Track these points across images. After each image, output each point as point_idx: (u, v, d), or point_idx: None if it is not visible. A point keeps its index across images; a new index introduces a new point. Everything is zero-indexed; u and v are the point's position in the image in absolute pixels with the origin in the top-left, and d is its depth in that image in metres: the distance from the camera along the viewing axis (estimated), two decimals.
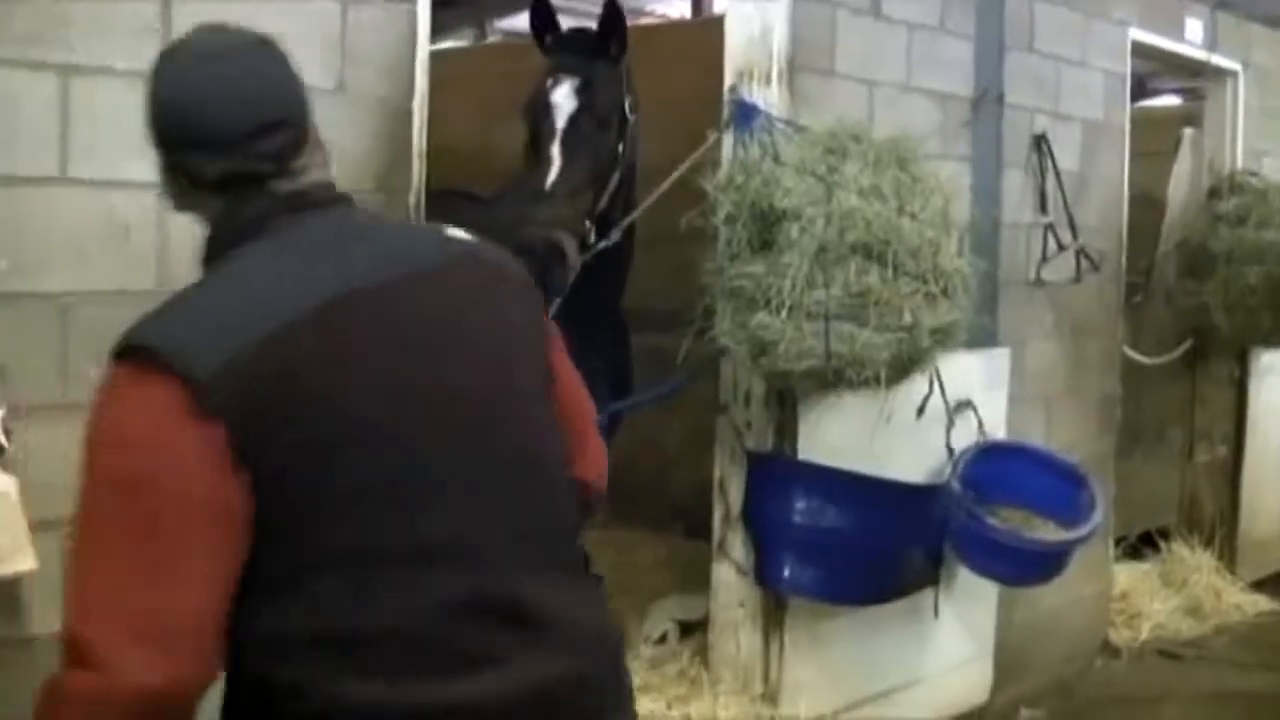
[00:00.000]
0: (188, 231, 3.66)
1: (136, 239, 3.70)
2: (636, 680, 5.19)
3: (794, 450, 5.58)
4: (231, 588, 2.06)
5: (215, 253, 2.36)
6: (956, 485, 5.75)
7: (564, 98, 5.09)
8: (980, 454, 6.00)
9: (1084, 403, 7.62)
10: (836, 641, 5.82)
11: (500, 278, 2.54)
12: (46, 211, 3.59)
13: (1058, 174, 7.05)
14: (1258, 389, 9.36)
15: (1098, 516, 5.94)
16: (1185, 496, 9.32)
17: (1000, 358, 6.61)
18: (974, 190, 6.48)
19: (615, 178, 5.17)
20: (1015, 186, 6.91)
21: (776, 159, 5.15)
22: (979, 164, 6.56)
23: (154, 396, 2.07)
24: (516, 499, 2.32)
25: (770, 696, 5.64)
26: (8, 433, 3.40)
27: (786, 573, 5.50)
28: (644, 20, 11.15)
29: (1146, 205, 8.69)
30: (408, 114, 4.28)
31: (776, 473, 5.54)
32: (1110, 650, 7.95)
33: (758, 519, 5.54)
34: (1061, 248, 7.09)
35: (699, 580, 5.96)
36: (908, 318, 4.92)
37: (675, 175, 5.30)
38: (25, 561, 3.24)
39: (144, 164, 3.59)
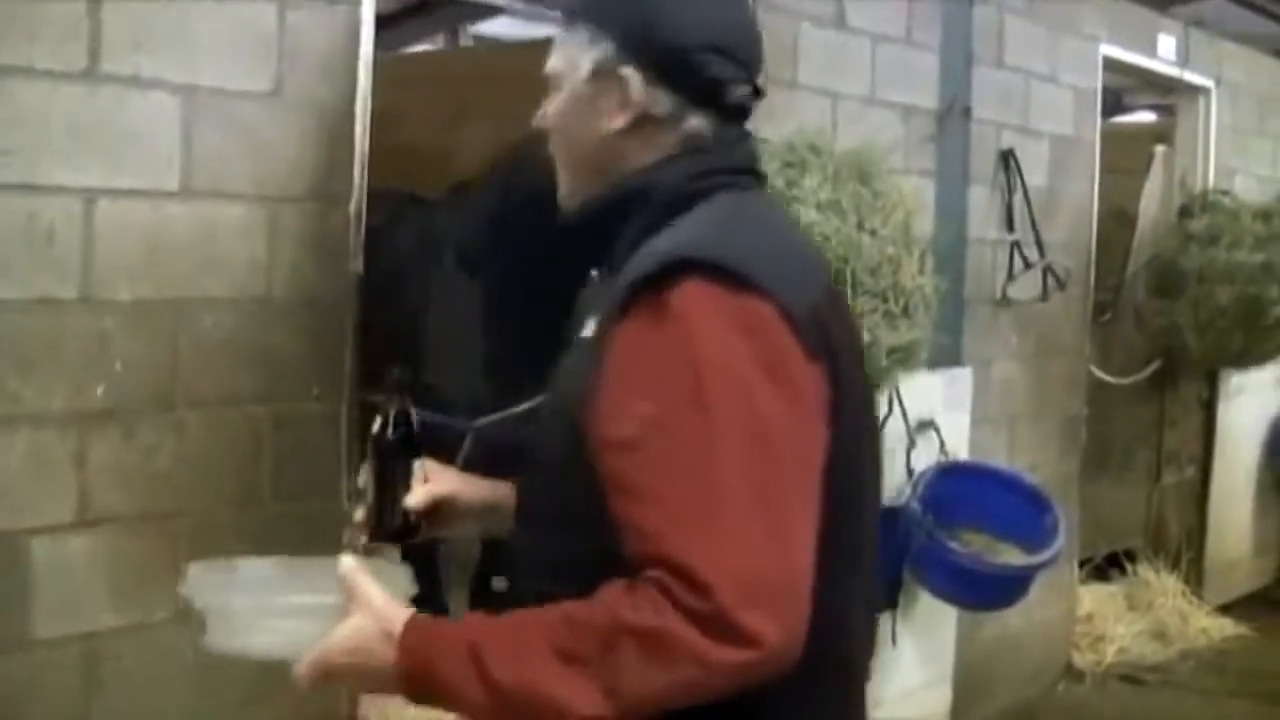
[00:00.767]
0: (115, 238, 3.64)
1: (61, 246, 3.58)
2: None
3: None
4: None
5: (701, 185, 2.14)
6: (917, 506, 5.66)
7: None
8: (941, 474, 5.91)
9: (1048, 423, 7.54)
10: None
11: None
12: None
13: (1025, 190, 6.95)
14: (1226, 410, 9.31)
15: (1060, 541, 5.86)
16: (1152, 518, 9.25)
17: (963, 378, 6.53)
18: (938, 206, 6.39)
19: None
20: (981, 202, 6.81)
21: None
22: (944, 179, 6.46)
23: (768, 323, 1.89)
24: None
25: None
26: None
27: None
28: None
29: (1117, 222, 8.63)
30: (350, 117, 4.16)
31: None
32: (1073, 674, 7.87)
33: None
34: (1028, 265, 7.00)
35: None
36: (866, 337, 4.81)
37: None
38: None
39: (68, 168, 3.56)
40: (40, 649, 3.63)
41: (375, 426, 2.38)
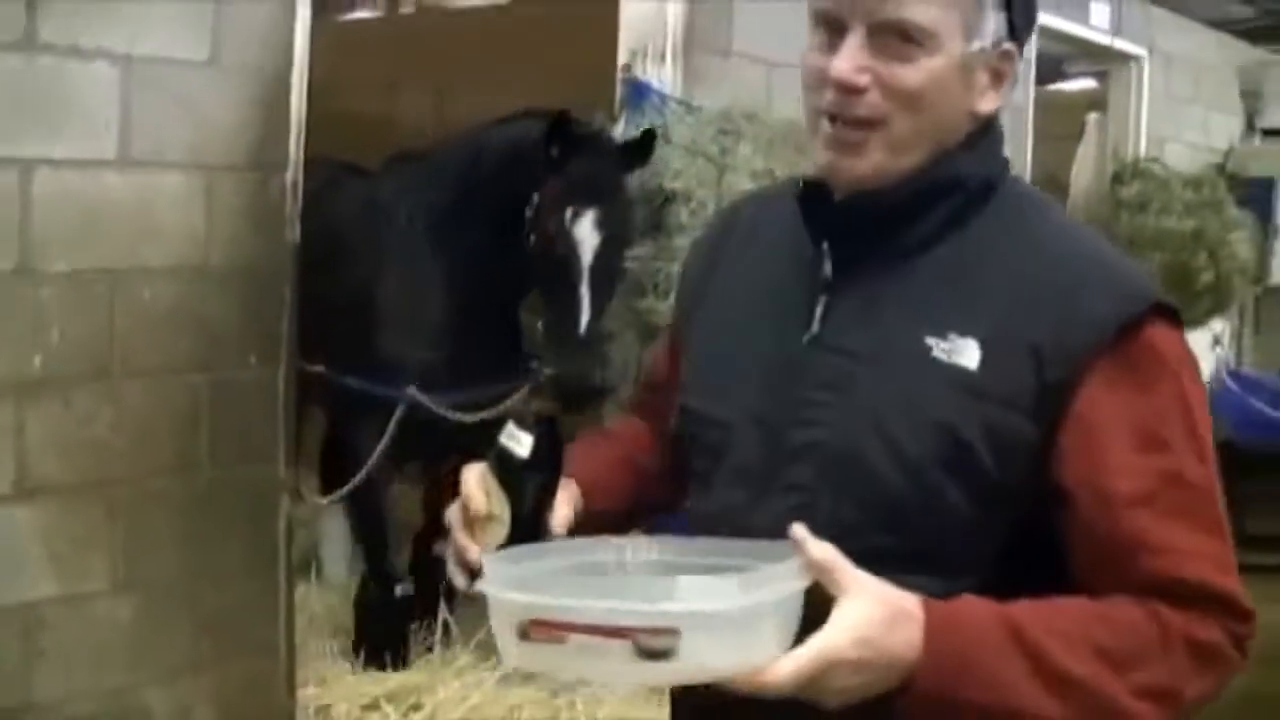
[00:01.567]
0: (53, 208, 3.64)
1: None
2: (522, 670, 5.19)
3: None
4: None
5: (1006, 171, 2.00)
6: None
7: (588, 232, 4.55)
8: None
9: None
10: None
11: None
12: None
13: None
14: None
15: None
16: None
17: None
18: None
19: None
20: None
21: (668, 140, 5.07)
22: None
23: (1197, 361, 1.92)
24: None
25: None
26: None
27: None
28: None
29: (1050, 189, 8.66)
30: (286, 86, 4.17)
31: None
32: None
33: None
34: None
35: None
36: None
37: None
38: None
39: (5, 139, 3.57)
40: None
41: (505, 436, 1.96)
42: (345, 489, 4.97)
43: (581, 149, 4.62)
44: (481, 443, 2.07)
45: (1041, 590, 1.77)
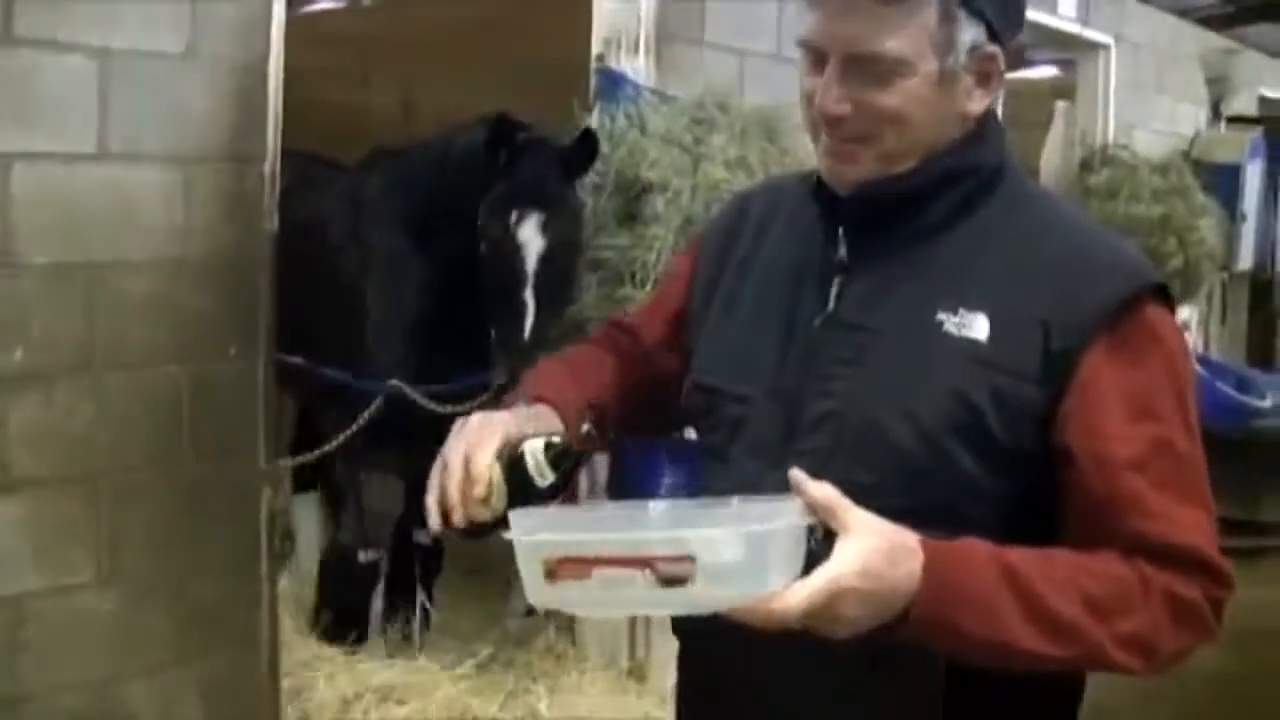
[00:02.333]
0: (33, 201, 3.65)
1: None
2: (502, 655, 5.21)
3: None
4: None
5: (1008, 162, 2.10)
6: None
7: (532, 235, 4.56)
8: None
9: None
10: None
11: None
12: None
13: None
14: None
15: None
16: None
17: None
18: None
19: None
20: None
21: (643, 130, 5.09)
22: None
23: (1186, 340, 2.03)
24: None
25: (636, 672, 5.62)
26: None
27: None
28: None
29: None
30: (263, 78, 4.18)
31: (641, 448, 5.50)
32: None
33: (623, 495, 5.49)
34: None
35: None
36: None
37: None
38: None
39: None
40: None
41: (532, 462, 2.00)
42: (315, 453, 5.00)
43: (524, 153, 4.64)
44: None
45: None
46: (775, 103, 5.45)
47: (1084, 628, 1.81)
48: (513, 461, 1.97)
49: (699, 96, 5.29)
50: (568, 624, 5.83)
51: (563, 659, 5.69)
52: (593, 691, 5.50)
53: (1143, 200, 8.47)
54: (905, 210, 2.03)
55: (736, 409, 2.12)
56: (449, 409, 4.66)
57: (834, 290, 2.06)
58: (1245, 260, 10.31)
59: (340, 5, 10.00)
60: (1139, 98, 9.52)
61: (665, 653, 5.52)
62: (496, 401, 2.24)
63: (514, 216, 4.53)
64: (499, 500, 1.96)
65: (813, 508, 1.74)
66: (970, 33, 1.96)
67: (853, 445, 1.97)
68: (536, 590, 1.74)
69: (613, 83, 5.34)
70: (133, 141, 3.87)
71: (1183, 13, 10.08)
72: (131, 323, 3.91)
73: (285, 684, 4.61)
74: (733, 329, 2.17)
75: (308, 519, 6.20)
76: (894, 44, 1.93)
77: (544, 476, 1.97)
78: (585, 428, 2.02)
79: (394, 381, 4.73)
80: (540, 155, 4.69)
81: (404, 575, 5.43)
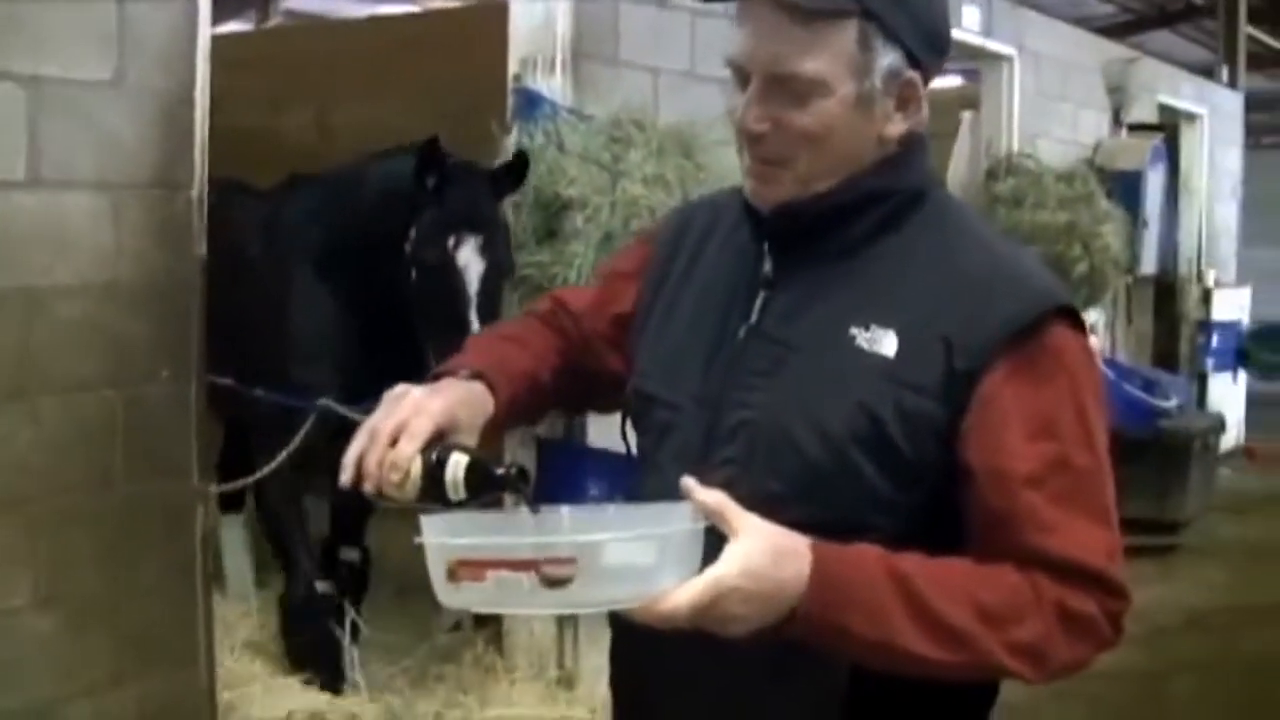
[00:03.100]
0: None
1: None
2: (432, 670, 5.26)
3: (583, 436, 5.60)
4: None
5: (929, 183, 2.17)
6: None
7: (471, 257, 4.63)
8: None
9: None
10: None
11: None
12: None
13: None
14: None
15: None
16: None
17: None
18: None
19: None
20: None
21: (561, 148, 5.18)
22: None
23: (1095, 359, 2.10)
24: None
25: (565, 681, 5.67)
26: None
27: None
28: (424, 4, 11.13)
29: None
30: (189, 104, 4.24)
31: (567, 459, 5.57)
32: None
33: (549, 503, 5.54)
34: None
35: None
36: None
37: None
38: None
39: None
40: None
41: (450, 477, 2.02)
42: (250, 478, 5.08)
43: (455, 177, 4.70)
44: None
45: None
46: (690, 119, 5.55)
47: (973, 634, 1.88)
48: (434, 465, 2.02)
49: (615, 114, 5.39)
50: (495, 637, 5.90)
51: (492, 670, 5.74)
52: (523, 702, 5.55)
53: (1048, 207, 8.65)
54: (826, 228, 2.09)
55: (666, 415, 2.18)
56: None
57: (758, 304, 2.12)
58: (1149, 265, 10.49)
59: (251, 29, 10.02)
60: (1042, 107, 9.67)
61: (592, 662, 5.60)
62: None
63: (452, 240, 4.59)
64: (410, 491, 2.04)
65: (704, 512, 1.81)
66: (889, 58, 2.01)
67: (766, 454, 2.04)
68: (441, 590, 1.83)
69: (530, 102, 5.41)
70: (63, 168, 3.91)
71: (1081, 22, 10.29)
72: (66, 347, 3.95)
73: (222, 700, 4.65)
74: (670, 338, 2.24)
75: (234, 540, 6.22)
76: (812, 65, 1.98)
77: (457, 492, 2.00)
78: (513, 469, 2.07)
79: (324, 401, 4.77)
80: (471, 179, 4.75)
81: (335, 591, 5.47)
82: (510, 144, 5.31)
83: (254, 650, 5.47)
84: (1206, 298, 12.76)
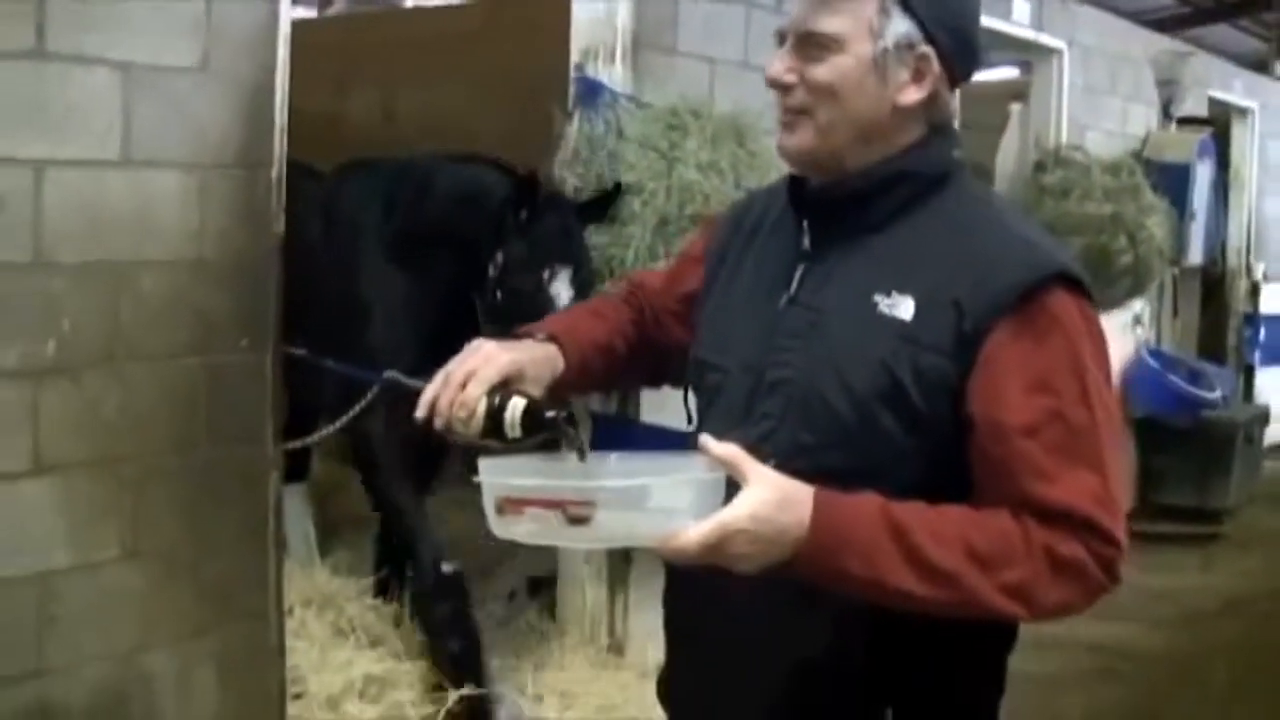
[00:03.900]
0: (62, 205, 3.89)
1: (13, 214, 3.85)
2: (486, 637, 5.41)
3: (637, 412, 5.76)
4: None
5: (954, 166, 2.39)
6: None
7: (562, 288, 4.82)
8: None
9: None
10: None
11: None
12: None
13: None
14: None
15: None
16: None
17: None
18: None
19: None
20: None
21: (620, 135, 5.36)
22: None
23: (1100, 327, 2.27)
24: None
25: (616, 648, 5.87)
26: None
27: None
28: None
29: (975, 177, 8.89)
30: (270, 90, 4.41)
31: (620, 433, 5.69)
32: None
33: None
34: None
35: None
36: None
37: None
38: None
39: (18, 141, 3.79)
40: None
41: (509, 419, 2.29)
42: (310, 438, 5.27)
43: (548, 208, 4.90)
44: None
45: None
46: (744, 108, 5.71)
47: (963, 574, 2.06)
48: (496, 408, 2.29)
49: (673, 103, 5.55)
50: (548, 605, 6.09)
51: (544, 637, 5.93)
52: (574, 667, 5.73)
53: (1094, 199, 8.71)
54: (856, 207, 2.32)
55: (716, 378, 2.44)
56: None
57: (798, 275, 2.36)
58: (1195, 256, 10.48)
59: (321, 15, 10.15)
60: (1091, 100, 9.74)
61: (642, 629, 5.79)
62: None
63: (546, 273, 4.79)
64: (474, 429, 2.30)
65: (720, 463, 2.03)
66: (902, 26, 2.25)
67: (800, 410, 2.26)
68: (494, 523, 2.10)
69: (591, 90, 5.58)
70: (153, 150, 4.11)
71: (1134, 15, 10.32)
72: (153, 318, 4.14)
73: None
74: (726, 311, 2.49)
75: (296, 508, 6.39)
76: (833, 24, 2.25)
77: (514, 431, 2.27)
78: (563, 414, 2.30)
79: (390, 373, 4.93)
80: (561, 209, 4.98)
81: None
82: (571, 131, 5.51)
83: (318, 610, 5.62)
84: (1255, 291, 12.71)
